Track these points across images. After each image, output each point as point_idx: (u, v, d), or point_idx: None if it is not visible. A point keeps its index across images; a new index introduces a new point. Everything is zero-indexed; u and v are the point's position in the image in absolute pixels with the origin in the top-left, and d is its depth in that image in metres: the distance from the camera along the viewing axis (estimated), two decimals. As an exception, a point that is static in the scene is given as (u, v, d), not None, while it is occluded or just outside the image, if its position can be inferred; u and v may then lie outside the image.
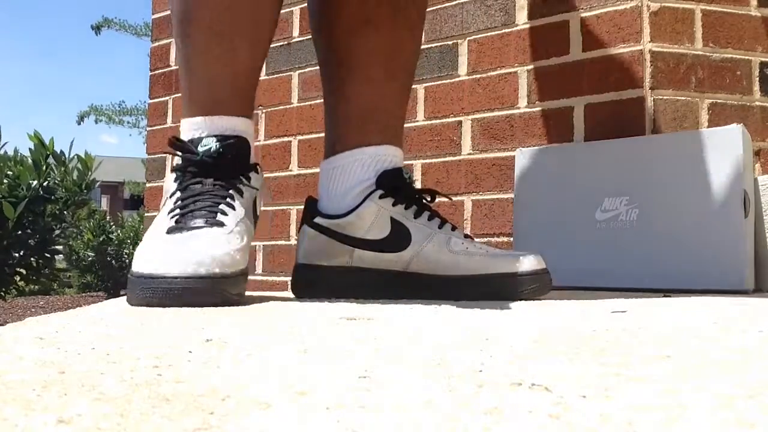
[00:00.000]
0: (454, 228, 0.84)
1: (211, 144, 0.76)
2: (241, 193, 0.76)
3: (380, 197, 0.81)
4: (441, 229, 0.83)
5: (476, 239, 1.37)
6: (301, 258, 0.85)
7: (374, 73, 0.88)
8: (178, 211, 0.73)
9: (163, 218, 0.74)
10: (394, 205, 0.82)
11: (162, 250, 0.68)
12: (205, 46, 0.80)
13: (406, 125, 1.50)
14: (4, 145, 2.52)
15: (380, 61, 0.88)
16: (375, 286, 0.79)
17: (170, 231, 0.71)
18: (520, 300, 0.77)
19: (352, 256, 0.81)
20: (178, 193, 0.75)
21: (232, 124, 0.79)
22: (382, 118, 0.88)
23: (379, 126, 0.87)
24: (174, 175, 0.78)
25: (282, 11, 0.92)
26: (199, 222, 0.71)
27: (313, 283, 0.83)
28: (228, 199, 0.74)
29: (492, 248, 0.84)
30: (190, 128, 0.79)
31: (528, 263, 0.79)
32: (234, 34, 0.80)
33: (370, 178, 0.83)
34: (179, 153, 0.78)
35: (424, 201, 0.85)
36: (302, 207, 0.91)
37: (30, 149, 2.48)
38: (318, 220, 0.84)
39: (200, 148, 0.76)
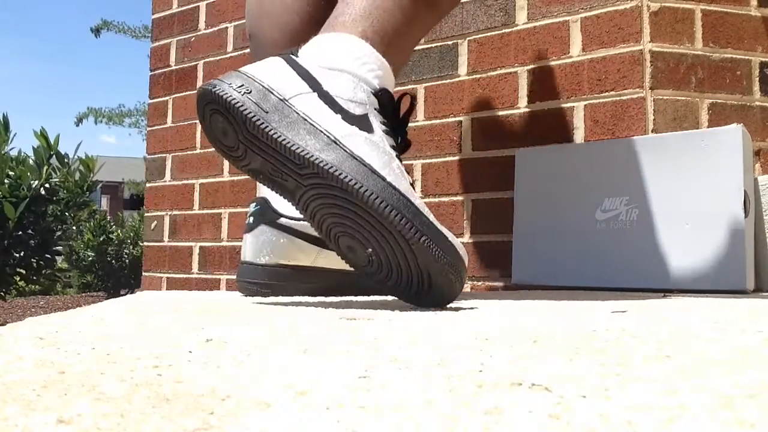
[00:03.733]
0: None
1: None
2: None
3: None
4: None
5: (476, 241, 1.37)
6: None
7: None
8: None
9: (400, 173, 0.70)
10: None
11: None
12: None
13: (406, 125, 1.50)
14: (11, 149, 2.52)
15: None
16: None
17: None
18: None
19: None
20: (391, 141, 0.73)
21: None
22: None
23: None
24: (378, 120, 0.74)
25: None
26: None
27: None
28: None
29: None
30: (372, 60, 0.76)
31: None
32: None
33: None
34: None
35: None
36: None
37: (34, 148, 2.48)
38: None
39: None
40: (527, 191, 1.23)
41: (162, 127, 1.99)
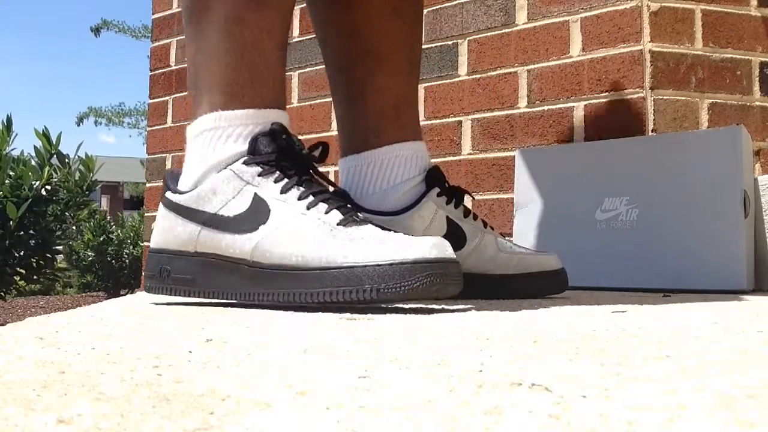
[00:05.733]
0: (486, 225, 0.86)
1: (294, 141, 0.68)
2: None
3: (437, 195, 0.81)
4: (485, 228, 0.84)
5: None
6: None
7: (401, 65, 0.86)
8: (326, 206, 0.64)
9: (306, 216, 0.63)
10: (447, 203, 0.82)
11: (395, 236, 0.60)
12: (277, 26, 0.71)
13: (406, 125, 1.50)
14: (12, 150, 2.52)
15: (405, 53, 0.87)
16: None
17: (346, 223, 0.62)
18: (557, 294, 0.84)
19: None
20: (301, 189, 0.65)
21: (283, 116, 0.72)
22: (412, 112, 0.87)
23: (411, 120, 0.86)
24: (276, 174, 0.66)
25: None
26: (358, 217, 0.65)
27: None
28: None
29: (520, 246, 0.87)
30: (249, 121, 0.69)
31: (556, 261, 0.84)
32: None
33: (417, 175, 0.82)
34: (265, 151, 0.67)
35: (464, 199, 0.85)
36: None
37: (35, 147, 2.49)
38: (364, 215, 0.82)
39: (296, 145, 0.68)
40: (527, 191, 1.23)
41: (162, 127, 1.99)
